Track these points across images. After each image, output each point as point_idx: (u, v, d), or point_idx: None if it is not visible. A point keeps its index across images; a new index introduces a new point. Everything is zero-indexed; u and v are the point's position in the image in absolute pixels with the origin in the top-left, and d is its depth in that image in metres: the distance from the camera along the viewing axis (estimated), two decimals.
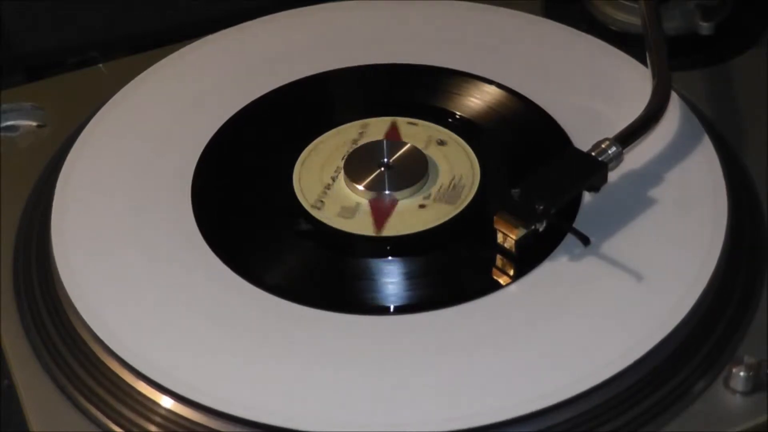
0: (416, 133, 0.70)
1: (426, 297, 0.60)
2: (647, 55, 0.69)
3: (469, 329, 0.58)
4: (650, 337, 0.57)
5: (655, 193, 0.64)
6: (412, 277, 0.62)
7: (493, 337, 0.58)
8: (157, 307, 0.60)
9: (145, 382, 0.57)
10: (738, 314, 0.60)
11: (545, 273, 0.61)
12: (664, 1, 0.76)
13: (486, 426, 0.54)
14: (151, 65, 0.76)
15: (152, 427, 0.56)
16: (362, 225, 0.64)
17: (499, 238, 0.61)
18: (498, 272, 0.61)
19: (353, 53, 0.76)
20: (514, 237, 0.61)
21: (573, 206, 0.63)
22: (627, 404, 0.56)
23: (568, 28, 0.77)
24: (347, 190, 0.66)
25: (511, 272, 0.61)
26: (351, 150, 0.69)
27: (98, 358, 0.59)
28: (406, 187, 0.66)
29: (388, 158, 0.68)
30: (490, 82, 0.73)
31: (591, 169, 0.63)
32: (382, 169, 0.67)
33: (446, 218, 0.64)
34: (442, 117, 0.71)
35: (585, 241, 0.60)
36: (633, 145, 0.64)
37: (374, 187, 0.66)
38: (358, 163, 0.67)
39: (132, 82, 0.74)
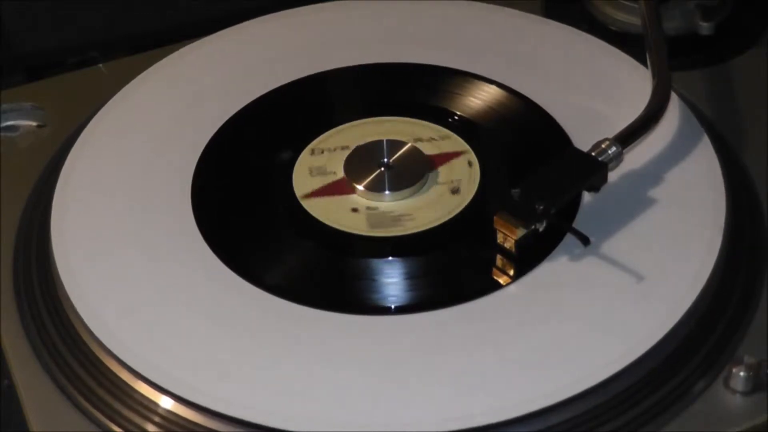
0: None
1: (426, 297, 0.60)
2: (647, 55, 0.69)
3: (469, 329, 0.58)
4: (650, 337, 0.57)
5: (655, 193, 0.64)
6: (412, 277, 0.62)
7: (493, 337, 0.58)
8: (156, 308, 0.60)
9: (144, 382, 0.57)
10: (738, 314, 0.60)
11: (545, 273, 0.61)
12: (664, 1, 0.76)
13: (486, 426, 0.54)
14: (151, 65, 0.76)
15: (152, 428, 0.56)
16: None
17: (499, 238, 0.61)
18: (498, 272, 0.61)
19: (353, 53, 0.76)
20: (514, 237, 0.61)
21: (573, 206, 0.63)
22: (627, 404, 0.56)
23: (568, 27, 0.77)
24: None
25: (511, 272, 0.61)
26: (351, 150, 0.69)
27: (98, 359, 0.59)
28: (406, 187, 0.66)
29: (388, 158, 0.68)
30: (490, 81, 0.73)
31: (591, 169, 0.63)
32: (382, 169, 0.67)
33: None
34: (442, 117, 0.71)
35: (585, 241, 0.60)
36: (633, 145, 0.64)
37: (374, 187, 0.66)
38: (358, 163, 0.67)
39: (132, 82, 0.74)
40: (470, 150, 0.68)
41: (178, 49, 0.77)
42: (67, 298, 0.61)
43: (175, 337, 0.59)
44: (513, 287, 0.60)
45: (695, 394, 0.57)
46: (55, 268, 0.62)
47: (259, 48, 0.77)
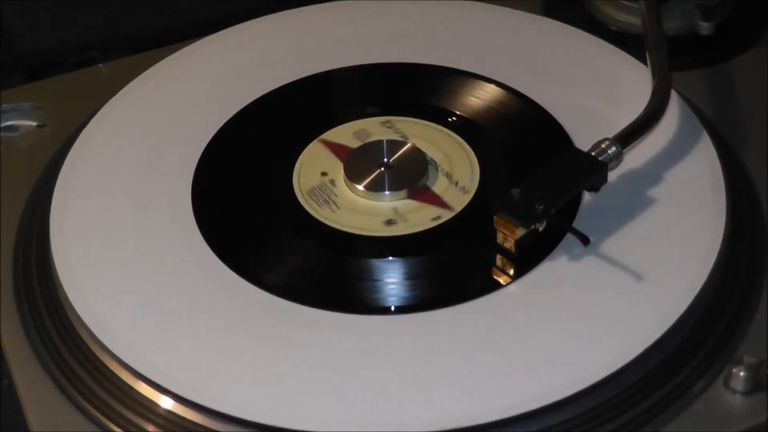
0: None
1: (426, 297, 0.60)
2: (647, 55, 0.69)
3: (469, 329, 0.58)
4: (650, 337, 0.57)
5: (655, 193, 0.64)
6: (412, 277, 0.62)
7: (493, 336, 0.58)
8: (156, 307, 0.60)
9: (144, 382, 0.57)
10: (738, 314, 0.60)
11: (545, 273, 0.61)
12: (664, 1, 0.76)
13: (486, 425, 0.54)
14: (151, 65, 0.76)
15: (152, 428, 0.56)
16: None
17: (499, 237, 0.61)
18: (498, 272, 0.61)
19: (353, 53, 0.76)
20: (514, 237, 0.61)
21: (573, 206, 0.63)
22: (627, 404, 0.56)
23: (568, 27, 0.77)
24: (347, 190, 0.66)
25: (511, 272, 0.61)
26: (351, 150, 0.69)
27: (98, 359, 0.59)
28: (406, 186, 0.66)
29: (388, 158, 0.68)
30: (490, 81, 0.73)
31: (591, 169, 0.63)
32: (382, 169, 0.67)
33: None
34: (442, 117, 0.71)
35: (584, 240, 0.60)
36: (633, 145, 0.64)
37: (374, 187, 0.66)
38: (358, 163, 0.67)
39: (132, 82, 0.74)
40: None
41: (178, 49, 0.77)
42: (67, 298, 0.61)
43: (175, 337, 0.59)
44: (513, 287, 0.60)
45: (695, 394, 0.57)
46: (55, 268, 0.62)
47: (259, 48, 0.77)
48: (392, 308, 0.60)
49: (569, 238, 0.61)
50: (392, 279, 0.62)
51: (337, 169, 0.68)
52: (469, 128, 0.70)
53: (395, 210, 0.65)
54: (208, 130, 0.71)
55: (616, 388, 0.56)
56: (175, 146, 0.70)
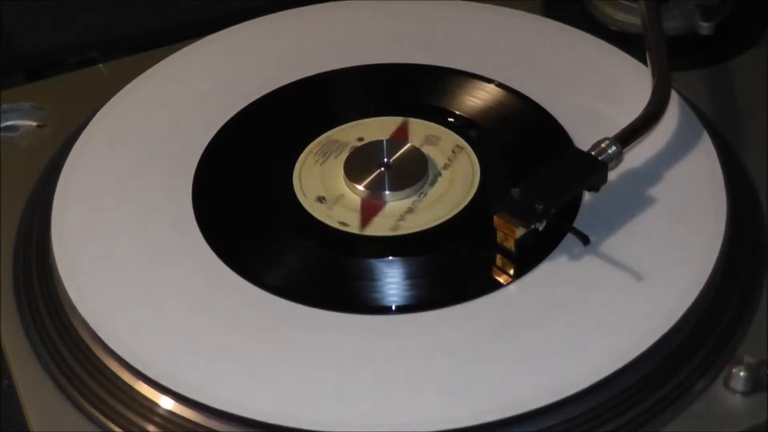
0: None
1: (426, 297, 0.60)
2: (647, 55, 0.69)
3: (469, 329, 0.58)
4: (650, 337, 0.57)
5: (655, 192, 0.64)
6: (412, 277, 0.62)
7: (493, 336, 0.58)
8: (156, 307, 0.60)
9: (145, 382, 0.57)
10: (738, 314, 0.60)
11: (545, 272, 0.61)
12: (664, 1, 0.76)
13: (486, 425, 0.54)
14: (151, 65, 0.76)
15: (152, 428, 0.56)
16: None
17: (499, 237, 0.61)
18: (498, 272, 0.61)
19: (353, 53, 0.76)
20: (514, 237, 0.61)
21: (573, 206, 0.63)
22: (627, 404, 0.56)
23: (568, 27, 0.77)
24: (347, 190, 0.66)
25: (511, 272, 0.61)
26: (351, 150, 0.69)
27: (98, 358, 0.59)
28: (407, 186, 0.66)
29: (388, 158, 0.68)
30: (490, 81, 0.72)
31: (591, 169, 0.63)
32: (382, 169, 0.67)
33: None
34: (442, 117, 0.71)
35: (585, 240, 0.60)
36: (633, 144, 0.64)
37: (374, 187, 0.66)
38: (358, 163, 0.67)
39: (132, 82, 0.74)
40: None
41: (178, 49, 0.77)
42: (67, 298, 0.61)
43: (176, 337, 0.59)
44: (513, 287, 0.60)
45: (695, 394, 0.57)
46: (55, 268, 0.62)
47: (259, 48, 0.77)
48: (393, 308, 0.60)
49: (569, 238, 0.61)
50: (392, 279, 0.62)
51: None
52: (469, 128, 0.70)
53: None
54: (209, 130, 0.71)
55: (616, 388, 0.56)
56: (176, 146, 0.70)
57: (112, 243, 0.64)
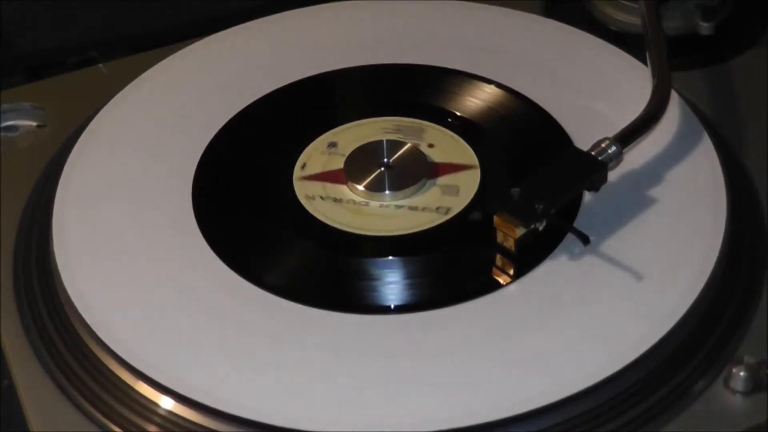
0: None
1: (426, 297, 0.60)
2: (647, 55, 0.69)
3: (469, 329, 0.58)
4: (650, 337, 0.57)
5: (655, 192, 0.64)
6: (411, 277, 0.62)
7: (492, 336, 0.58)
8: (157, 307, 0.60)
9: (145, 382, 0.57)
10: (738, 314, 0.60)
11: (545, 272, 0.61)
12: (664, 1, 0.76)
13: (486, 425, 0.54)
14: (151, 65, 0.76)
15: (152, 428, 0.56)
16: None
17: (499, 237, 0.61)
18: (498, 272, 0.61)
19: (353, 53, 0.76)
20: (514, 236, 0.61)
21: (573, 206, 0.63)
22: (627, 404, 0.56)
23: (568, 27, 0.77)
24: (347, 190, 0.66)
25: (511, 272, 0.61)
26: (351, 150, 0.69)
27: (98, 359, 0.59)
28: (407, 186, 0.66)
29: (388, 158, 0.68)
30: (490, 82, 0.73)
31: (591, 169, 0.63)
32: (382, 169, 0.67)
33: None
34: (442, 117, 0.71)
35: (585, 240, 0.60)
36: (633, 144, 0.64)
37: (374, 187, 0.66)
38: (358, 163, 0.67)
39: (132, 82, 0.74)
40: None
41: (178, 49, 0.77)
42: (68, 298, 0.61)
43: (176, 337, 0.59)
44: (513, 287, 0.60)
45: (695, 394, 0.57)
46: (55, 268, 0.62)
47: (259, 48, 0.77)
48: (392, 308, 0.60)
49: (569, 238, 0.61)
50: (392, 279, 0.62)
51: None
52: (469, 128, 0.70)
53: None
54: (209, 130, 0.71)
55: (616, 388, 0.56)
56: (176, 146, 0.70)
57: (112, 243, 0.64)
